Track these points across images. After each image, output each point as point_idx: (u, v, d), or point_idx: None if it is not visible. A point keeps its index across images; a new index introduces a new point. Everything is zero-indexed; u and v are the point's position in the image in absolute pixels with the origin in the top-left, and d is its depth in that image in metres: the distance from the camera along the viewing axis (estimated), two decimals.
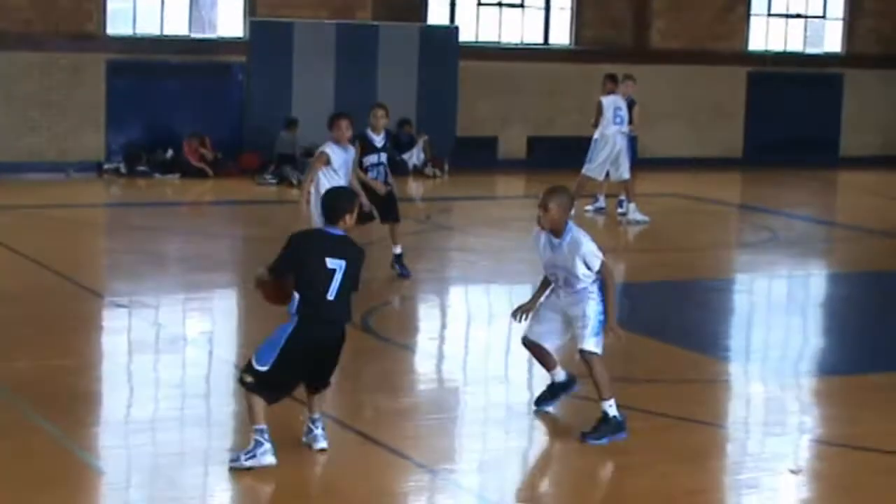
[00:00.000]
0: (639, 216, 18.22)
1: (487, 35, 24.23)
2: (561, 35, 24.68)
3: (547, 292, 9.26)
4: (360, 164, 13.54)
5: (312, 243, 8.23)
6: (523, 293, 12.96)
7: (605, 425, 8.93)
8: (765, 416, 10.02)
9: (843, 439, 9.19)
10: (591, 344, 8.96)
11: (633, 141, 19.04)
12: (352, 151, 13.30)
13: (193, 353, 11.09)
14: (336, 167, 13.08)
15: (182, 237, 16.62)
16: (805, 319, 13.69)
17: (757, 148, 24.89)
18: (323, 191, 12.05)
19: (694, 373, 10.87)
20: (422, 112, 22.73)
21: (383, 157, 13.80)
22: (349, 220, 8.25)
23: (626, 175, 18.42)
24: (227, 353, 11.10)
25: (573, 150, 20.45)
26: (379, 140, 13.80)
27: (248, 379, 8.14)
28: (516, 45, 24.37)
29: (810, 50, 26.51)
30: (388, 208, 13.82)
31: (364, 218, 13.12)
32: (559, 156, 22.11)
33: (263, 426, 8.07)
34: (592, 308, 8.95)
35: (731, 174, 23.81)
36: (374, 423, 9.18)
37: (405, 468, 8.37)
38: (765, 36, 25.95)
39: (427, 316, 13.28)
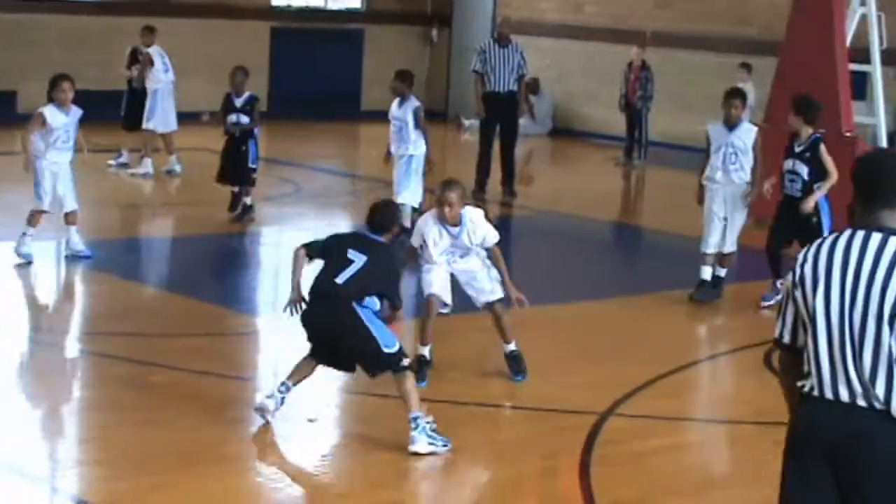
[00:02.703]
0: (178, 168, 18.47)
1: None
2: None
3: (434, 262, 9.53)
4: None
5: (345, 236, 8.79)
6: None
7: (520, 361, 9.77)
8: (288, 366, 10.22)
9: (359, 387, 9.50)
10: (500, 292, 9.56)
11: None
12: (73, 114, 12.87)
13: None
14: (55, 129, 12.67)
15: None
16: None
17: (281, 102, 25.09)
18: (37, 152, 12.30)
19: (219, 327, 10.97)
20: None
21: None
22: (393, 232, 8.77)
23: (175, 125, 18.74)
24: None
25: (96, 104, 20.01)
26: None
27: None
28: None
29: (332, 6, 27.00)
30: None
31: None
32: (82, 109, 21.68)
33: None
34: (486, 259, 9.58)
35: None
36: None
37: None
38: None
39: None
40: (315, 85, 25.33)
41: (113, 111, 19.15)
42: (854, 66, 16.97)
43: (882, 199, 5.04)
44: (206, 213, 15.53)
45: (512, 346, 9.82)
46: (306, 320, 8.42)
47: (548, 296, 12.64)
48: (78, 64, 22.94)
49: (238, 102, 15.42)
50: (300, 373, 8.60)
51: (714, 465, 8.73)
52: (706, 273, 12.60)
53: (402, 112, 14.46)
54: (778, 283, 12.41)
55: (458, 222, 9.46)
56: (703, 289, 12.57)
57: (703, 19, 23.51)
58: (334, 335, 8.33)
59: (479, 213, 9.66)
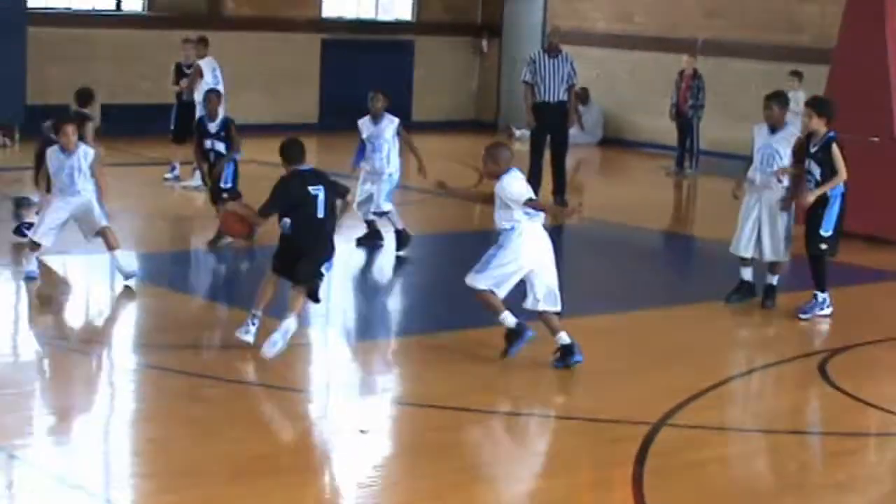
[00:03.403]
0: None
1: (58, 1, 23.63)
2: (133, 1, 24.35)
3: None
4: None
5: (294, 180, 10.24)
6: None
7: (568, 348, 10.21)
8: (340, 378, 10.26)
9: (410, 398, 9.54)
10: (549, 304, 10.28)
11: None
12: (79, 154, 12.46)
13: None
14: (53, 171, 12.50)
15: None
16: (378, 283, 14.10)
17: (332, 113, 25.19)
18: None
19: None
20: None
21: None
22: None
23: None
24: None
25: (147, 117, 20.29)
26: None
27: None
28: (88, 10, 23.88)
29: (382, 17, 27.06)
30: None
31: None
32: (133, 123, 21.88)
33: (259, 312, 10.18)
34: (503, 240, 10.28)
35: (308, 139, 23.86)
36: None
37: None
38: (339, 3, 26.30)
39: None
40: (366, 96, 25.32)
41: (164, 124, 19.31)
42: None
43: None
44: None
45: (561, 338, 10.20)
46: (292, 252, 10.11)
47: (599, 305, 12.62)
48: (129, 78, 23.20)
49: (212, 127, 14.98)
50: (265, 296, 10.33)
51: (766, 475, 8.65)
52: (746, 274, 12.62)
53: (381, 130, 14.87)
54: (818, 296, 12.34)
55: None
56: (739, 291, 12.68)
57: (754, 27, 23.40)
58: (302, 254, 10.10)
59: (517, 179, 10.29)
